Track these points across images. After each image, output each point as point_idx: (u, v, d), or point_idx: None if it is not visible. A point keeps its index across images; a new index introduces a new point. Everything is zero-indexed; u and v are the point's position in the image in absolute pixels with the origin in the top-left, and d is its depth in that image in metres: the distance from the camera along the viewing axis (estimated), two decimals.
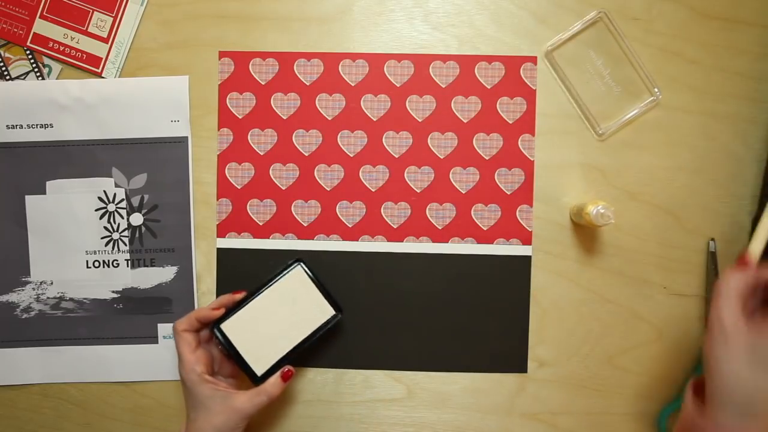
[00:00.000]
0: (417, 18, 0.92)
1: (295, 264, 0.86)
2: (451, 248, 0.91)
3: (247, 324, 0.84)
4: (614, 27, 0.90)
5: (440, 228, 0.91)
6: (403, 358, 0.92)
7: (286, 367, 0.84)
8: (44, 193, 0.92)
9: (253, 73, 0.91)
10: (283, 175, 0.92)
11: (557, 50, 0.91)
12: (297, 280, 0.86)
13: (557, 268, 0.92)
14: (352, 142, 0.91)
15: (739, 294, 0.70)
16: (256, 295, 0.84)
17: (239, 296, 0.84)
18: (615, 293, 0.92)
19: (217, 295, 0.92)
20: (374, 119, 0.91)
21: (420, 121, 0.91)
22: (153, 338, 0.92)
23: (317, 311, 0.86)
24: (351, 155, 0.91)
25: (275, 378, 0.83)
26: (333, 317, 0.86)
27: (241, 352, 0.83)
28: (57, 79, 0.92)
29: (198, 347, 0.82)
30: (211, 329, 0.84)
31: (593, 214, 0.83)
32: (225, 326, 0.83)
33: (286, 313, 0.85)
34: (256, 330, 0.84)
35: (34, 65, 0.91)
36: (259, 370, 0.84)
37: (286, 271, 0.86)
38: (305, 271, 0.86)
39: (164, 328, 0.92)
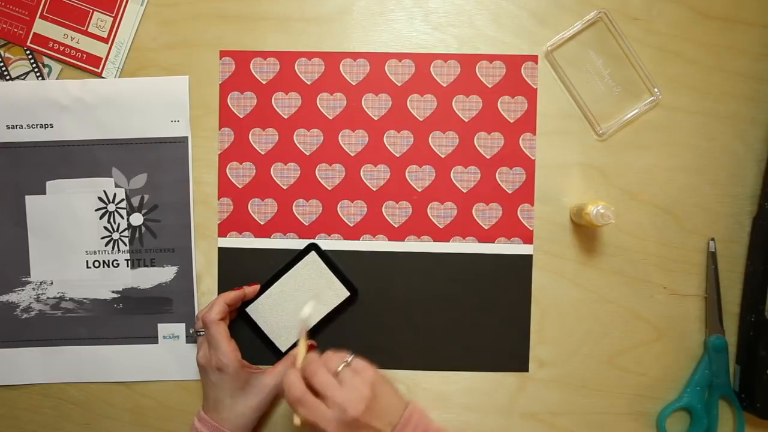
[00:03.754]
0: (417, 18, 0.92)
1: (310, 250, 0.91)
2: (453, 247, 0.91)
3: (269, 308, 0.91)
4: (614, 27, 0.90)
5: (441, 227, 0.91)
6: (403, 357, 0.92)
7: (309, 341, 0.90)
8: (44, 193, 0.91)
9: (254, 73, 0.91)
10: (285, 174, 0.92)
11: (557, 50, 0.91)
12: (312, 265, 0.91)
13: (557, 268, 0.92)
14: (353, 141, 0.91)
15: None
16: (276, 281, 0.91)
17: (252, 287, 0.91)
18: (615, 293, 0.92)
19: (218, 294, 0.92)
20: (375, 118, 0.91)
21: (421, 120, 0.91)
22: (153, 338, 0.92)
23: (332, 293, 0.91)
24: (352, 154, 0.91)
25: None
26: (348, 299, 0.91)
27: (266, 333, 0.91)
28: (57, 79, 0.92)
29: (231, 340, 0.85)
30: (239, 311, 0.91)
31: (593, 214, 0.83)
32: (249, 309, 0.91)
33: (304, 296, 0.91)
34: (277, 313, 0.91)
35: (34, 65, 0.91)
36: (283, 348, 0.92)
37: (301, 258, 0.91)
38: (319, 257, 0.91)
39: (164, 328, 0.92)
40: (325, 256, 0.91)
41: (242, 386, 0.84)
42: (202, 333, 0.85)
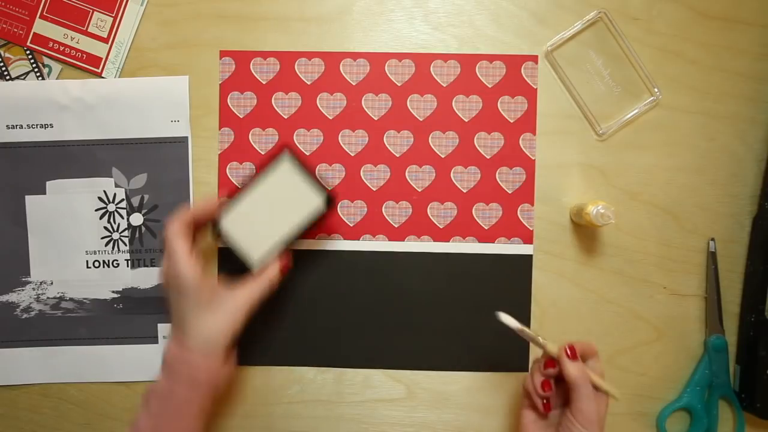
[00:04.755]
0: (417, 18, 0.92)
1: (283, 158, 0.85)
2: (453, 247, 0.91)
3: (242, 217, 0.84)
4: (614, 27, 0.90)
5: (441, 227, 0.91)
6: (403, 357, 0.92)
7: (284, 258, 0.86)
8: (44, 193, 0.91)
9: (254, 73, 0.91)
10: None
11: (557, 50, 0.91)
12: (286, 172, 0.85)
13: (557, 268, 0.92)
14: (353, 141, 0.91)
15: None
16: (249, 190, 0.84)
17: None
18: (615, 293, 0.92)
19: None
20: (375, 118, 0.91)
21: (421, 120, 0.91)
22: (153, 338, 0.92)
23: (307, 201, 0.85)
24: (352, 154, 0.91)
25: (273, 265, 0.84)
26: (323, 206, 0.85)
27: (238, 244, 0.85)
28: (57, 79, 0.92)
29: (192, 253, 0.81)
30: (212, 227, 0.84)
31: (593, 214, 0.83)
32: (222, 222, 0.84)
33: (278, 205, 0.85)
34: (251, 223, 0.85)
35: (34, 65, 0.91)
36: (256, 260, 0.85)
37: (275, 167, 0.85)
38: (293, 165, 0.85)
39: (164, 328, 0.92)
40: (300, 164, 0.85)
41: (206, 301, 0.79)
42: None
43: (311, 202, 0.85)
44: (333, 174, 0.92)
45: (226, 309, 0.80)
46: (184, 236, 0.80)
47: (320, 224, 0.91)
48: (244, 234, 0.85)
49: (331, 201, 0.85)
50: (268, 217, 0.85)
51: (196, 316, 0.79)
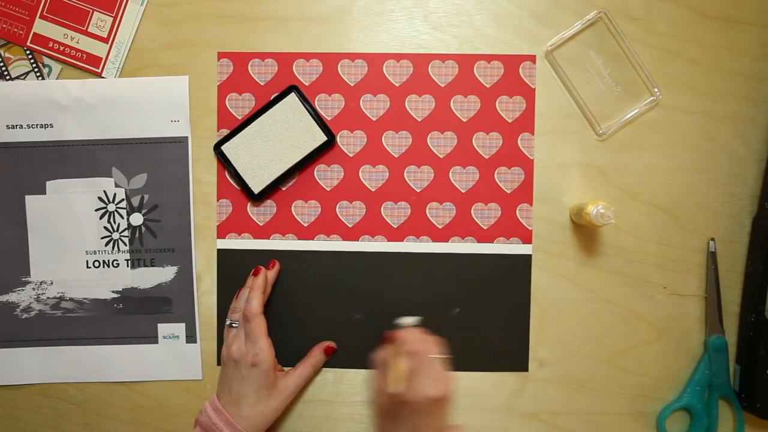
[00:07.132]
0: (417, 18, 0.92)
1: (290, 92, 0.90)
2: (452, 247, 0.91)
3: (245, 147, 0.90)
4: (614, 27, 0.90)
5: (440, 227, 0.91)
6: None
7: (328, 342, 0.92)
8: (44, 193, 0.92)
9: (252, 74, 0.91)
10: None
11: (557, 50, 0.91)
12: (291, 107, 0.90)
13: (557, 268, 0.92)
14: (351, 142, 0.91)
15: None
16: (253, 121, 0.90)
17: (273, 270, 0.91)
18: (615, 293, 0.92)
19: (218, 294, 0.92)
20: (373, 119, 0.91)
21: (419, 120, 0.91)
22: (153, 338, 0.92)
23: (309, 137, 0.90)
24: (350, 155, 0.91)
25: (319, 351, 0.91)
26: (324, 143, 0.90)
27: (240, 172, 0.90)
28: (57, 79, 0.92)
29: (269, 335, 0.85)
30: (215, 149, 0.91)
31: (593, 214, 0.83)
32: (225, 148, 0.90)
33: (281, 138, 0.90)
34: (253, 152, 0.90)
35: (34, 65, 0.91)
36: (257, 189, 0.91)
37: (281, 99, 0.90)
38: (299, 99, 0.90)
39: (164, 328, 0.92)
40: (306, 100, 0.90)
41: (269, 386, 0.83)
42: (235, 325, 0.86)
43: (314, 135, 0.90)
44: (331, 175, 0.91)
45: (281, 393, 0.85)
46: (263, 318, 0.84)
47: (319, 157, 0.92)
48: (246, 160, 0.89)
49: (332, 138, 0.90)
50: (270, 148, 0.89)
51: (258, 397, 0.83)
